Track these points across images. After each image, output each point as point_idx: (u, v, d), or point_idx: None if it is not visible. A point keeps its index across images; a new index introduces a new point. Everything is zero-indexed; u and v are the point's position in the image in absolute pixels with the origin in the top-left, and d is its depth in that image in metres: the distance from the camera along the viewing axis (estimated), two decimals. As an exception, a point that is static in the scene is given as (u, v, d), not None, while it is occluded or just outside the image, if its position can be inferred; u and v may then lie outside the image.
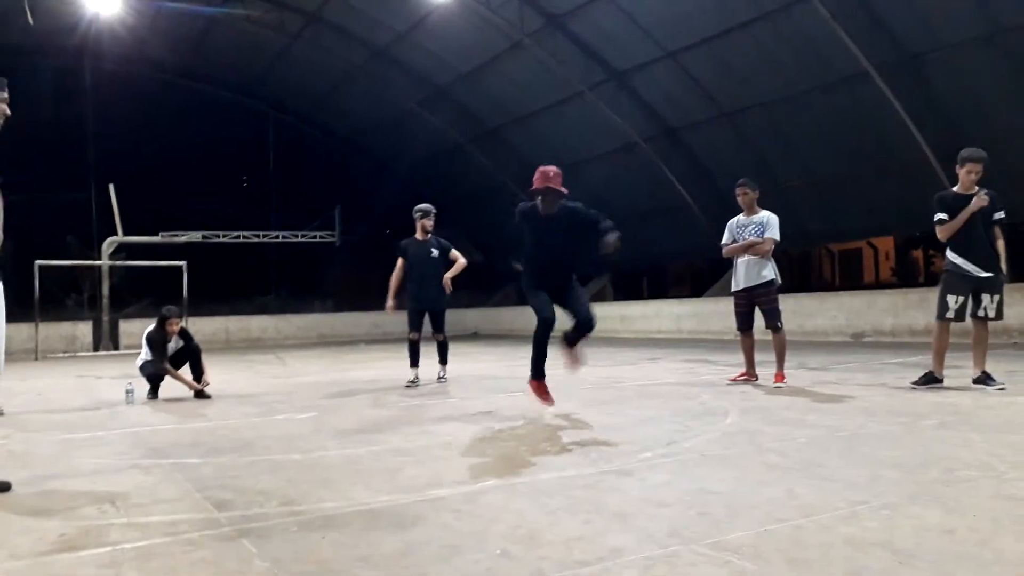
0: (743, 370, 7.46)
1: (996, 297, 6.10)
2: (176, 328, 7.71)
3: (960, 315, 6.21)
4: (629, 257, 23.15)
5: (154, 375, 7.63)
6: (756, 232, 7.16)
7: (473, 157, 24.30)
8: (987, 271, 6.12)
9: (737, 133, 17.20)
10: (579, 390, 6.95)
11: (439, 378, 8.45)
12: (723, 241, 7.42)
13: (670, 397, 6.53)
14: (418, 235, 8.45)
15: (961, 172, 6.30)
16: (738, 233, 7.30)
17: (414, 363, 8.24)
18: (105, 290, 20.45)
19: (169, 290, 19.45)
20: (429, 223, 8.43)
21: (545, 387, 5.76)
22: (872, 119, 14.54)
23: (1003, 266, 6.16)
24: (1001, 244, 6.17)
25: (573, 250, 5.86)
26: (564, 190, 5.71)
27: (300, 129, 27.46)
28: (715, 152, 18.09)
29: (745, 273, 7.23)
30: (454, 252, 8.45)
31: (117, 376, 10.05)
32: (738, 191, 7.34)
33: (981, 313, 6.14)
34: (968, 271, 6.17)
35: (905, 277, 26.12)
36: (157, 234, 21.55)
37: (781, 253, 10.80)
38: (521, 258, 5.92)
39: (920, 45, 13.41)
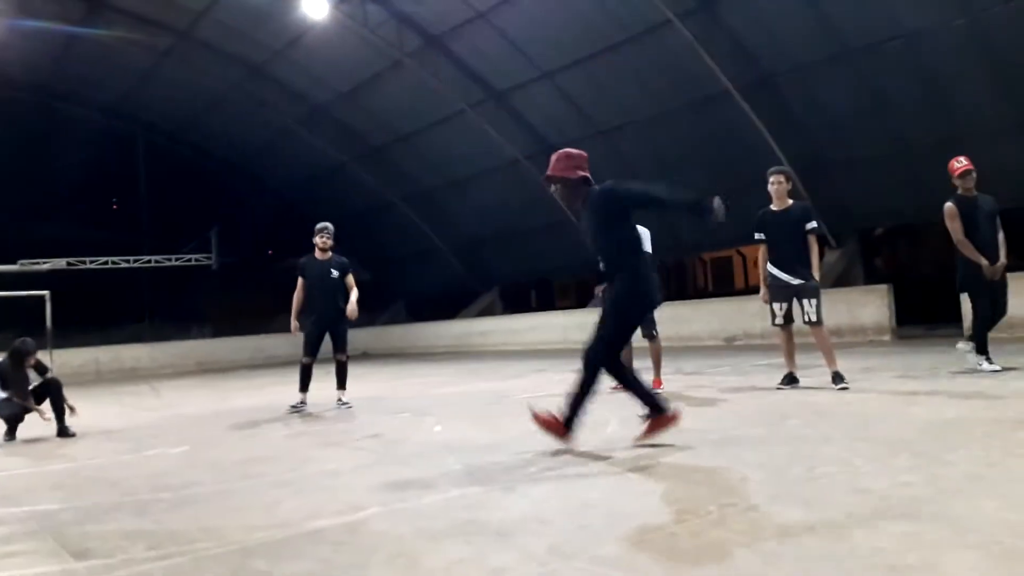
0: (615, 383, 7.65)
1: (814, 302, 6.56)
2: (32, 362, 7.18)
3: (788, 319, 6.74)
4: (517, 271, 23.47)
5: (11, 416, 7.07)
6: None
7: (357, 176, 24.01)
8: (799, 278, 6.60)
9: (613, 150, 17.73)
10: (468, 406, 6.95)
11: (340, 403, 7.96)
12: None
13: (554, 409, 6.61)
14: (317, 253, 8.19)
15: (769, 186, 6.82)
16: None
17: (303, 387, 7.94)
18: (-44, 324, 18.88)
19: (31, 321, 18.15)
20: (321, 240, 8.15)
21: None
22: (736, 134, 15.33)
23: (815, 273, 6.63)
24: (814, 252, 6.65)
25: (613, 244, 4.66)
26: (578, 174, 4.68)
27: (172, 149, 26.31)
28: (592, 169, 18.55)
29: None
30: (350, 279, 8.16)
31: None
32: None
33: (805, 318, 6.60)
34: (783, 280, 6.67)
35: (774, 282, 27.47)
36: (15, 262, 20.12)
37: (657, 263, 11.21)
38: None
39: (774, 65, 14.29)
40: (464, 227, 23.22)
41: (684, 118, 16.11)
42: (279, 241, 29.16)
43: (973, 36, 12.10)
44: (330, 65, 20.00)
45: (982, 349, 6.88)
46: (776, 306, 6.73)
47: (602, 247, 4.71)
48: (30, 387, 7.11)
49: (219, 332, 25.33)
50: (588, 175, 4.68)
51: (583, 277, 25.80)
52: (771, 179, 6.77)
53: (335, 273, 8.08)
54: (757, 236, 6.88)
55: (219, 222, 23.66)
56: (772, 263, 6.77)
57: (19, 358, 7.08)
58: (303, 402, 7.87)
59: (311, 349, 8.00)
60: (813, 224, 6.63)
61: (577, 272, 24.80)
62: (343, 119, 22.45)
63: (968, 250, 6.85)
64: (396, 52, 18.35)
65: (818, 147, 14.54)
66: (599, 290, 4.99)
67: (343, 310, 7.97)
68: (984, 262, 6.78)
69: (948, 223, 6.97)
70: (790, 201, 6.77)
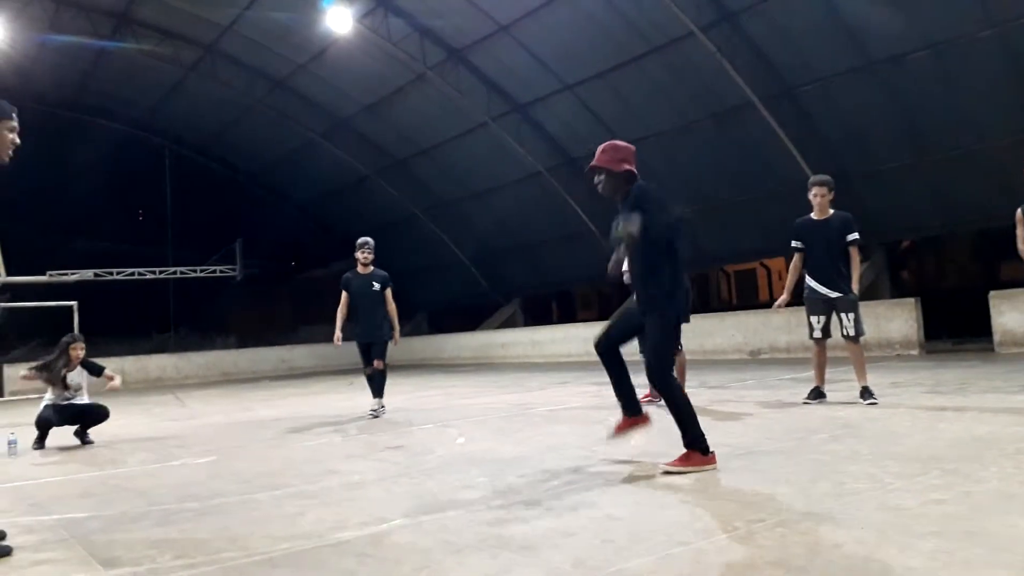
0: (647, 391, 7.61)
1: (851, 315, 6.43)
2: (79, 353, 7.23)
3: (826, 333, 6.61)
4: (538, 282, 23.46)
5: (43, 420, 7.12)
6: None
7: (380, 188, 24.17)
8: (837, 291, 6.47)
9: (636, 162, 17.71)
10: (491, 418, 6.94)
11: (372, 412, 8.21)
12: (623, 267, 7.42)
13: (577, 422, 6.60)
14: (359, 268, 8.50)
15: (809, 197, 6.67)
16: None
17: (375, 394, 8.31)
18: (-13, 334, 19.20)
19: (59, 331, 18.40)
20: (363, 255, 8.46)
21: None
22: (759, 146, 15.27)
23: (854, 286, 6.48)
24: (856, 265, 6.48)
25: (643, 255, 4.33)
26: (624, 167, 4.45)
27: (198, 162, 26.68)
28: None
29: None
30: (388, 293, 8.50)
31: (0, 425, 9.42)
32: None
33: (843, 332, 6.48)
34: (821, 293, 6.54)
35: (798, 295, 27.27)
36: (45, 273, 20.43)
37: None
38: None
39: (798, 77, 14.22)
40: (485, 239, 23.28)
41: (707, 130, 16.07)
42: (302, 253, 29.43)
43: (1000, 47, 11.96)
44: (353, 79, 20.20)
45: None
46: (814, 319, 6.59)
47: (639, 253, 4.39)
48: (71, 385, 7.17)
49: (243, 343, 25.53)
50: (634, 170, 4.49)
51: (604, 289, 25.75)
52: (812, 190, 6.59)
53: (376, 286, 8.43)
54: (794, 244, 6.72)
55: (243, 234, 23.90)
56: (810, 275, 6.63)
57: (64, 350, 7.17)
58: (382, 406, 8.28)
59: (367, 360, 8.38)
60: (855, 235, 6.47)
61: (598, 283, 24.76)
62: (366, 132, 22.63)
63: (1021, 253, 6.81)
64: (419, 66, 18.48)
65: (842, 159, 14.42)
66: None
67: (385, 321, 8.39)
68: None
69: (1017, 228, 6.88)
70: (831, 211, 6.61)
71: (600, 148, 4.55)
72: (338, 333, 8.48)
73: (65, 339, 7.30)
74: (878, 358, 11.66)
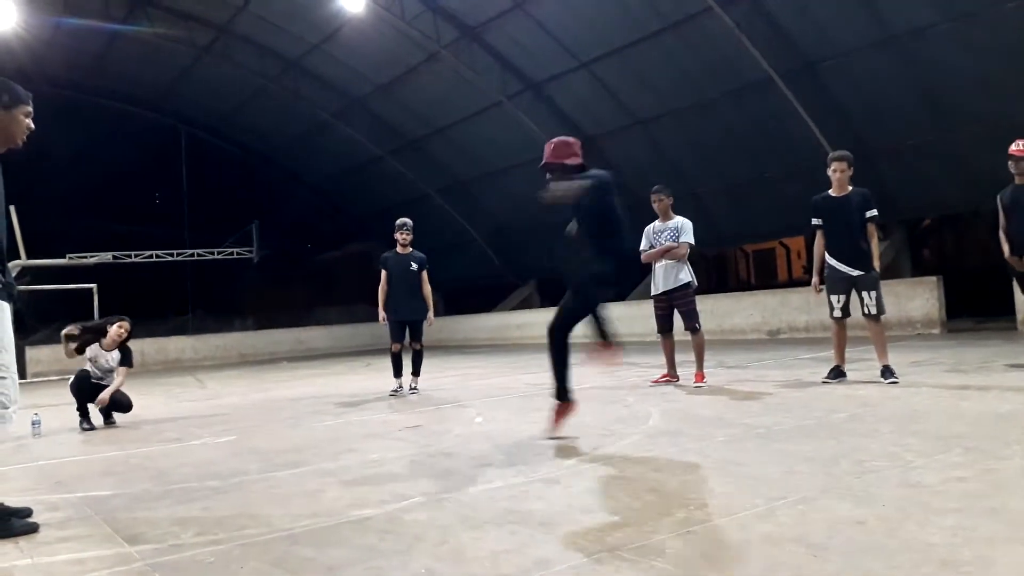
0: (665, 371, 7.61)
1: (873, 294, 6.35)
2: (122, 335, 7.15)
3: (846, 312, 6.53)
4: (554, 263, 23.40)
5: (79, 390, 7.06)
6: (672, 237, 7.33)
7: (394, 169, 24.14)
8: (858, 269, 6.39)
9: (651, 140, 17.58)
10: (509, 399, 6.95)
11: (411, 389, 8.49)
12: (641, 247, 7.56)
13: (595, 401, 6.59)
14: (398, 248, 8.68)
15: (828, 172, 6.59)
16: (654, 239, 7.45)
17: (397, 374, 8.48)
18: (8, 316, 19.40)
19: (79, 314, 18.58)
20: (402, 236, 8.64)
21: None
22: (778, 124, 15.08)
23: (875, 264, 6.42)
24: (875, 242, 6.43)
25: (591, 233, 4.73)
26: (576, 161, 4.73)
27: (213, 144, 26.72)
28: (630, 160, 18.44)
29: (663, 277, 7.38)
30: (424, 274, 8.66)
31: (23, 407, 9.53)
32: (653, 198, 7.49)
33: (865, 311, 6.41)
34: (841, 271, 6.46)
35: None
36: (64, 256, 20.62)
37: (698, 255, 11.09)
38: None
39: (817, 52, 14.02)
40: (501, 219, 23.22)
41: (725, 107, 15.88)
42: (317, 235, 29.50)
43: (1024, 19, 11.73)
44: (367, 58, 20.11)
45: None
46: (834, 298, 6.51)
47: (588, 228, 4.75)
48: (106, 365, 7.16)
49: (260, 324, 25.70)
50: (583, 161, 4.75)
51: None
52: (832, 165, 6.51)
53: (414, 266, 8.61)
54: (815, 221, 6.64)
55: (259, 216, 23.96)
56: (830, 253, 6.56)
57: (104, 323, 7.17)
58: (400, 386, 8.42)
59: (397, 336, 8.49)
60: (874, 212, 6.39)
61: (614, 264, 24.67)
62: (380, 112, 22.57)
63: (1002, 241, 6.74)
64: (433, 44, 18.38)
65: (862, 135, 14.23)
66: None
67: (421, 301, 8.55)
68: (1006, 251, 6.61)
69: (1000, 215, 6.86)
70: (850, 188, 6.52)
71: (551, 145, 4.79)
72: (382, 312, 8.61)
73: (112, 317, 7.24)
74: (899, 337, 11.58)
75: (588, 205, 4.57)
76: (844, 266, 6.45)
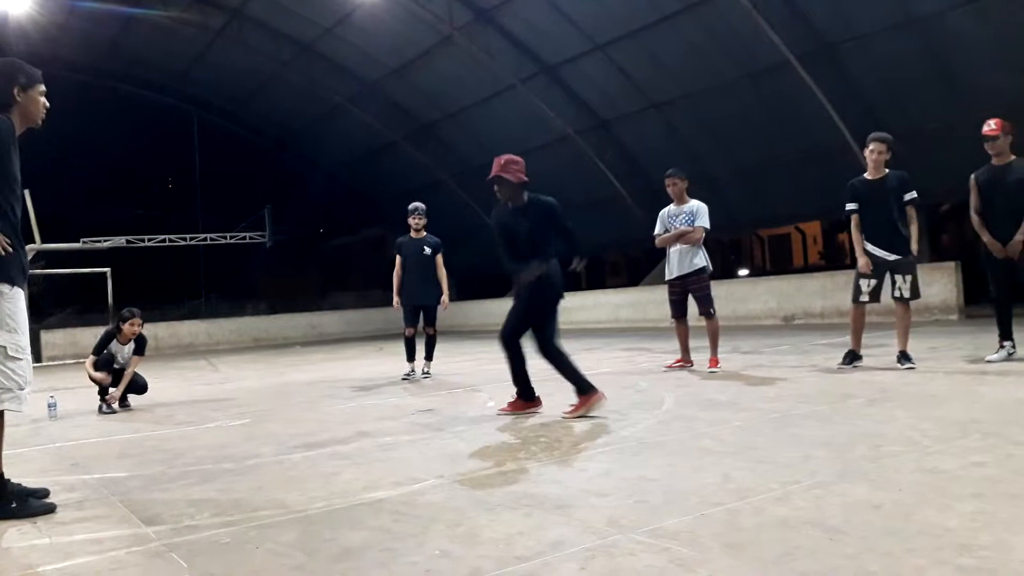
0: (679, 356, 7.58)
1: (909, 278, 6.22)
2: (136, 330, 7.20)
3: (875, 297, 6.41)
4: (567, 249, 23.33)
5: (103, 363, 7.10)
6: (687, 221, 7.28)
7: (408, 153, 24.10)
8: (896, 254, 6.26)
9: (667, 124, 17.45)
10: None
11: (424, 373, 8.52)
12: (656, 231, 7.51)
13: (608, 386, 6.53)
14: (411, 232, 8.68)
15: (865, 153, 6.46)
16: (669, 223, 7.41)
17: (410, 358, 8.48)
18: (24, 300, 19.56)
19: (93, 298, 18.78)
20: (415, 220, 8.64)
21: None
22: (795, 107, 14.93)
23: (913, 247, 6.28)
24: (914, 227, 6.28)
25: (545, 244, 5.40)
26: (520, 178, 5.37)
27: (226, 128, 26.80)
28: (646, 143, 18.34)
29: (678, 262, 7.34)
30: (439, 258, 8.65)
31: (39, 390, 9.62)
32: (667, 181, 7.43)
33: (897, 294, 6.29)
34: (878, 255, 6.34)
35: (832, 260, 26.94)
36: (78, 240, 20.77)
37: (713, 240, 11.03)
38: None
39: (837, 34, 13.83)
40: (514, 205, 23.14)
41: (742, 89, 15.72)
42: (330, 219, 29.56)
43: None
44: (380, 41, 20.04)
45: (1004, 335, 6.46)
46: (863, 282, 6.38)
47: (537, 242, 5.33)
48: (121, 360, 7.21)
49: (273, 309, 25.83)
50: (526, 179, 5.40)
51: (633, 255, 25.60)
52: (870, 146, 6.35)
53: (428, 250, 8.59)
54: (849, 207, 6.47)
55: (272, 200, 24.03)
56: (866, 237, 6.41)
57: (118, 324, 7.22)
58: (413, 371, 8.43)
59: (410, 321, 8.50)
60: (913, 194, 6.23)
61: (627, 250, 24.61)
62: (393, 96, 22.51)
63: (976, 226, 6.47)
64: (446, 27, 18.28)
65: (881, 119, 14.01)
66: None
67: (435, 285, 8.56)
68: (986, 238, 6.35)
69: (971, 195, 6.58)
70: (886, 170, 6.38)
71: (500, 161, 5.37)
72: (396, 297, 8.62)
73: (124, 313, 7.26)
74: (916, 323, 11.35)
75: (526, 236, 5.31)
76: (881, 251, 6.32)
